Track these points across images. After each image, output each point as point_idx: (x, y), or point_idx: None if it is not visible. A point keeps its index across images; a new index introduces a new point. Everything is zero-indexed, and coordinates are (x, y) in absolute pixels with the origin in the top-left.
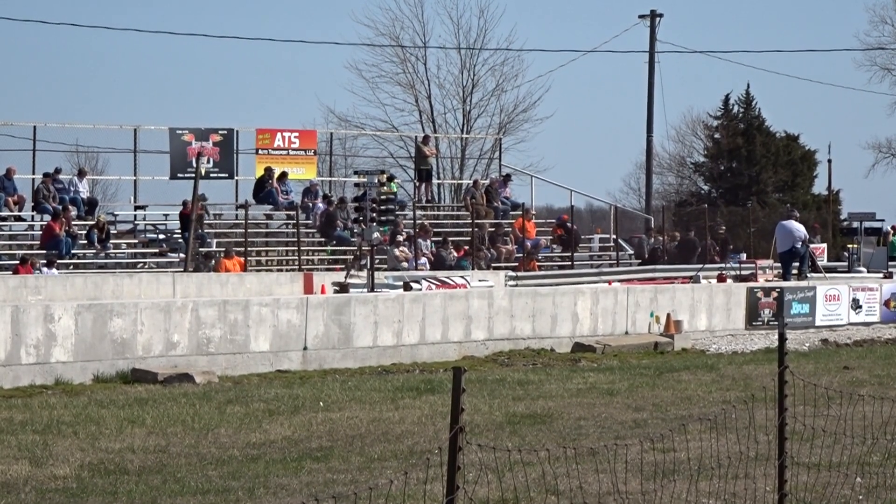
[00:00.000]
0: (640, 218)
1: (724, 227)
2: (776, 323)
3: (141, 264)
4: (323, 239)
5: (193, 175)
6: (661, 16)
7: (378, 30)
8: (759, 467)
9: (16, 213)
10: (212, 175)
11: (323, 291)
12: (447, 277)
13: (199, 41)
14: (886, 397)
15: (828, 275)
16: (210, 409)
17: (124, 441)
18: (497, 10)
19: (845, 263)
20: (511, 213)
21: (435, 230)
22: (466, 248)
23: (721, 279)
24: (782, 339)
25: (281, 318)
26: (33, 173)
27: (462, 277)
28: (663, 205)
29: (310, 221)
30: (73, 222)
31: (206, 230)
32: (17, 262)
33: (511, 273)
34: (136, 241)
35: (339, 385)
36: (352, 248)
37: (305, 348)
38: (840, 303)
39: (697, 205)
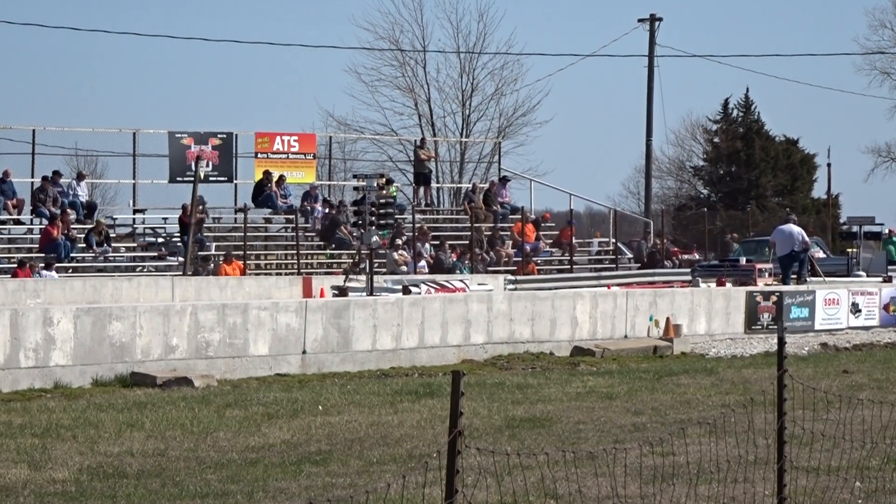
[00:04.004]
0: (640, 222)
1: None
2: (775, 327)
3: (140, 268)
4: (322, 242)
5: (192, 179)
6: (660, 20)
7: (377, 33)
8: (758, 471)
9: (14, 217)
10: (211, 179)
11: (322, 295)
12: (446, 281)
13: (199, 45)
14: (886, 401)
15: (827, 279)
16: (209, 413)
17: (123, 445)
18: (496, 14)
19: (844, 266)
20: (510, 216)
21: (434, 234)
22: (463, 250)
23: (720, 283)
24: (781, 342)
25: (280, 322)
26: (32, 177)
27: (461, 281)
28: (662, 209)
29: (308, 225)
30: (73, 226)
31: (205, 234)
32: (16, 265)
33: (510, 277)
34: (135, 244)
35: (338, 389)
36: (351, 251)
37: (304, 352)
38: (839, 307)
39: (697, 209)
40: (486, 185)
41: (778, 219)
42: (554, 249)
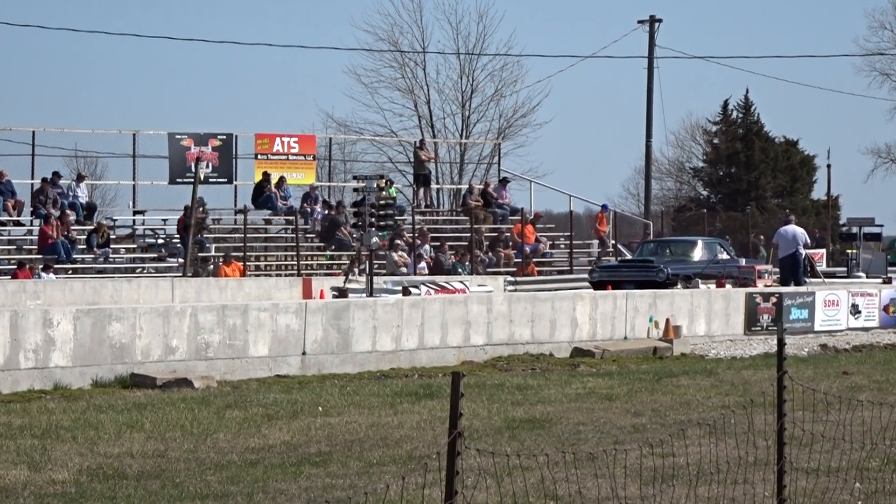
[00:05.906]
0: (640, 223)
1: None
2: (775, 328)
3: (140, 269)
4: (322, 244)
5: (192, 180)
6: (660, 21)
7: (377, 35)
8: (758, 472)
9: (14, 218)
10: (211, 180)
11: (322, 296)
12: (446, 282)
13: (199, 46)
14: (885, 402)
15: (826, 280)
16: (209, 414)
17: (123, 446)
18: (496, 16)
19: (844, 269)
20: (510, 217)
21: (434, 235)
22: (463, 251)
23: (720, 284)
24: (781, 344)
25: (280, 323)
26: (32, 178)
27: (461, 282)
28: (662, 210)
29: (308, 226)
30: (73, 227)
31: (204, 235)
32: (16, 266)
33: (510, 278)
34: (135, 245)
35: (338, 390)
36: (351, 252)
37: (304, 353)
38: (839, 308)
39: (696, 210)
40: (482, 186)
41: (778, 220)
42: (554, 250)
